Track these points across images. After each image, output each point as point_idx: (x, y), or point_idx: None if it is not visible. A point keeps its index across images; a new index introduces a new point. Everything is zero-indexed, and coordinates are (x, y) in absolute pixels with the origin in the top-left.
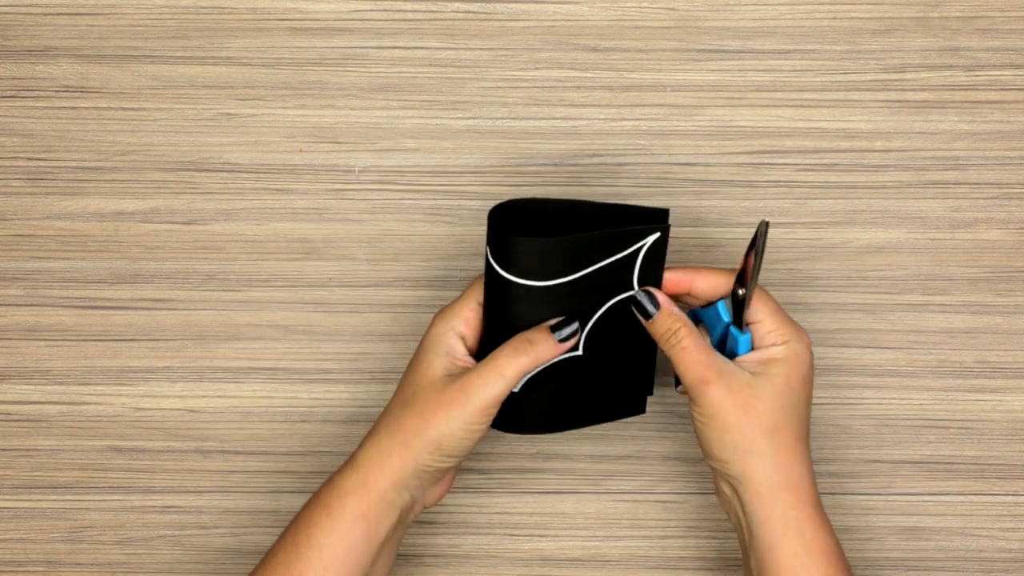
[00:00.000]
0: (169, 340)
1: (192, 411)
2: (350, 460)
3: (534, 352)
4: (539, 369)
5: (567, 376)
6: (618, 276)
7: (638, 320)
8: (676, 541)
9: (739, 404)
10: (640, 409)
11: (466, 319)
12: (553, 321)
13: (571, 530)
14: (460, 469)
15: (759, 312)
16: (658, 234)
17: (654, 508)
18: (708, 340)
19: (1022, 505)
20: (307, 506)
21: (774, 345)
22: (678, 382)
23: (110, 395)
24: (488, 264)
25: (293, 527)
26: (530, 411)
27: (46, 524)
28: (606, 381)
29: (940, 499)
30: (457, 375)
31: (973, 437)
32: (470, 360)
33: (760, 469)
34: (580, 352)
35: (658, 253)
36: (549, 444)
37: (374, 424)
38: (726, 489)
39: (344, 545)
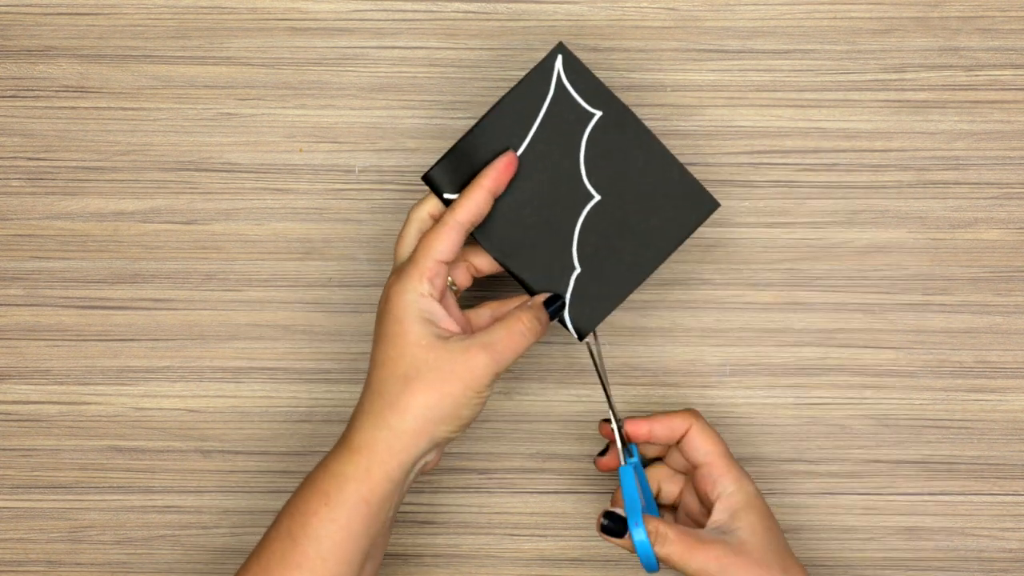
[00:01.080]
0: (169, 340)
1: (192, 411)
2: (346, 443)
3: (542, 331)
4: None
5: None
6: (563, 119)
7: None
8: None
9: (753, 566)
10: (712, 204)
11: (435, 283)
12: (543, 297)
13: (571, 530)
14: (460, 469)
15: (708, 453)
16: (559, 56)
17: None
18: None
19: (1022, 505)
20: (301, 493)
21: (728, 494)
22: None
23: (110, 395)
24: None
25: (288, 516)
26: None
27: (46, 524)
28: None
29: (940, 499)
30: (456, 342)
31: (973, 437)
32: (451, 321)
33: None
34: (597, 197)
35: (579, 72)
36: (549, 444)
37: (363, 403)
38: None
39: (344, 533)
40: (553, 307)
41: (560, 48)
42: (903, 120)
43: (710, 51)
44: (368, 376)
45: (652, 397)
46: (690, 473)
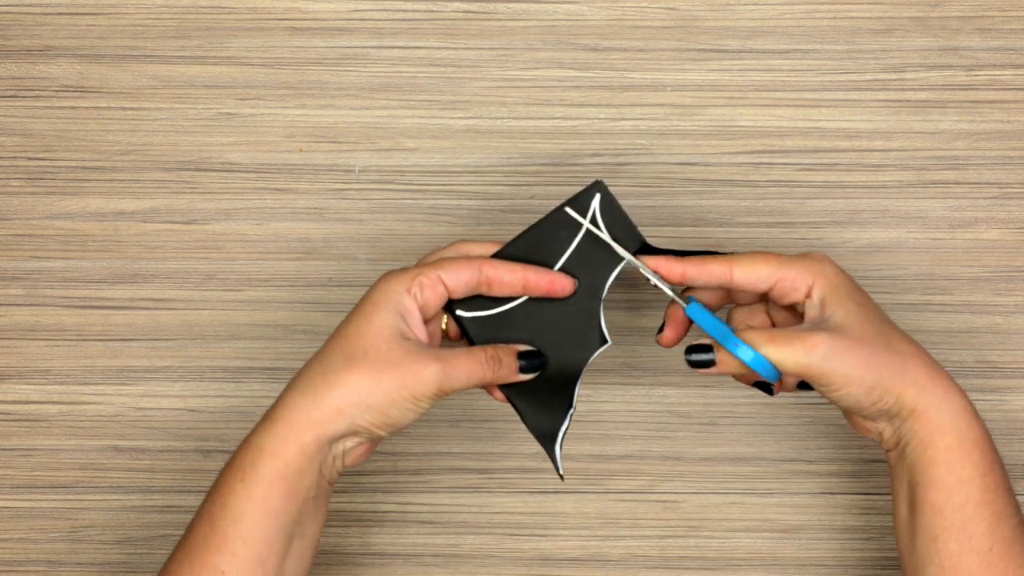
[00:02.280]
0: (169, 340)
1: (192, 411)
2: (269, 414)
3: (500, 373)
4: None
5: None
6: (595, 254)
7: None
8: (676, 541)
9: (852, 348)
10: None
11: (423, 284)
12: (523, 348)
13: (571, 530)
14: (460, 469)
15: (768, 275)
16: (597, 195)
17: (654, 508)
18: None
19: (1022, 505)
20: (223, 471)
21: (811, 288)
22: (770, 390)
23: (110, 395)
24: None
25: (209, 497)
26: None
27: (46, 524)
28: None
29: None
30: (415, 346)
31: None
32: (423, 330)
33: (906, 382)
34: (610, 342)
35: (614, 212)
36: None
37: (300, 373)
38: (878, 424)
39: (262, 511)
40: (528, 362)
41: (598, 187)
42: (903, 120)
43: (710, 51)
44: (322, 346)
45: (652, 397)
46: (764, 298)
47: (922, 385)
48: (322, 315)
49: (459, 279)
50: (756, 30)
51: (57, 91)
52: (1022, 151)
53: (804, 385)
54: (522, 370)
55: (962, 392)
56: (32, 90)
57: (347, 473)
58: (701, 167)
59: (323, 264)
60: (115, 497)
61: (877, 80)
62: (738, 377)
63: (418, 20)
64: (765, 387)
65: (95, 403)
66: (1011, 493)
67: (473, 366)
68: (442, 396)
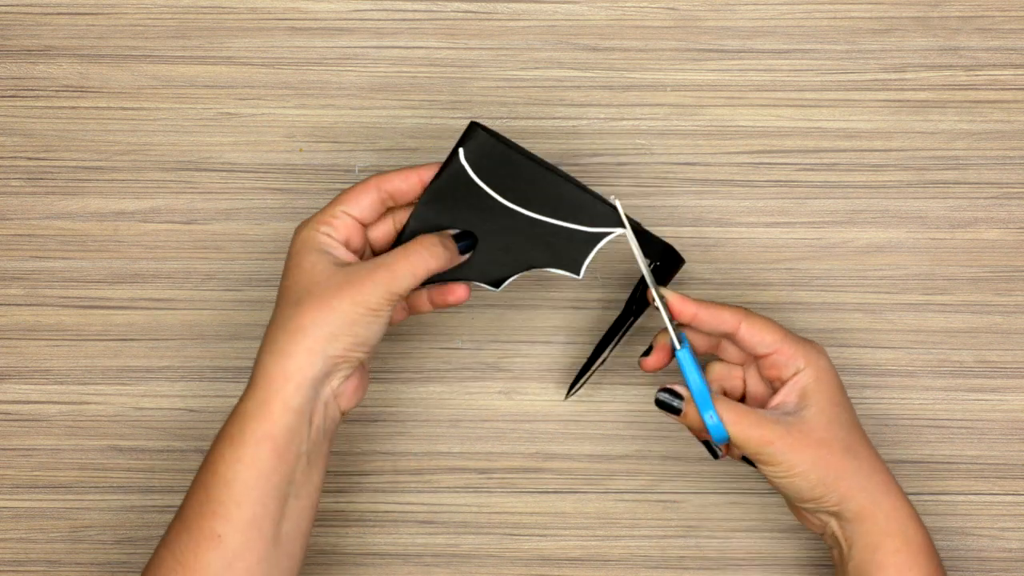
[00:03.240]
0: (169, 340)
1: (192, 411)
2: (248, 385)
3: (447, 258)
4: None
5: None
6: (572, 242)
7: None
8: (676, 541)
9: (809, 446)
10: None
11: (336, 226)
12: (453, 232)
13: (571, 530)
14: (460, 469)
15: (772, 343)
16: (618, 231)
17: (654, 508)
18: (736, 403)
19: (1022, 505)
20: (213, 442)
21: (798, 372)
22: (715, 454)
23: (110, 395)
24: (454, 166)
25: (201, 467)
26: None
27: (46, 524)
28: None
29: (940, 499)
30: (352, 265)
31: (973, 437)
32: (354, 257)
33: (855, 488)
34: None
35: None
36: (549, 444)
37: (263, 339)
38: (821, 518)
39: (253, 472)
40: (464, 242)
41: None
42: (903, 120)
43: (710, 51)
44: (273, 311)
45: (652, 397)
46: (751, 363)
47: (872, 491)
48: None
49: (361, 204)
50: (756, 30)
51: (57, 91)
52: (1022, 151)
53: (747, 459)
54: (462, 251)
55: (908, 501)
56: (32, 90)
57: (347, 473)
58: (701, 167)
59: None
60: (115, 497)
61: (877, 80)
62: (691, 429)
63: (418, 20)
64: (711, 449)
65: (95, 403)
66: None
67: (414, 260)
68: (397, 298)
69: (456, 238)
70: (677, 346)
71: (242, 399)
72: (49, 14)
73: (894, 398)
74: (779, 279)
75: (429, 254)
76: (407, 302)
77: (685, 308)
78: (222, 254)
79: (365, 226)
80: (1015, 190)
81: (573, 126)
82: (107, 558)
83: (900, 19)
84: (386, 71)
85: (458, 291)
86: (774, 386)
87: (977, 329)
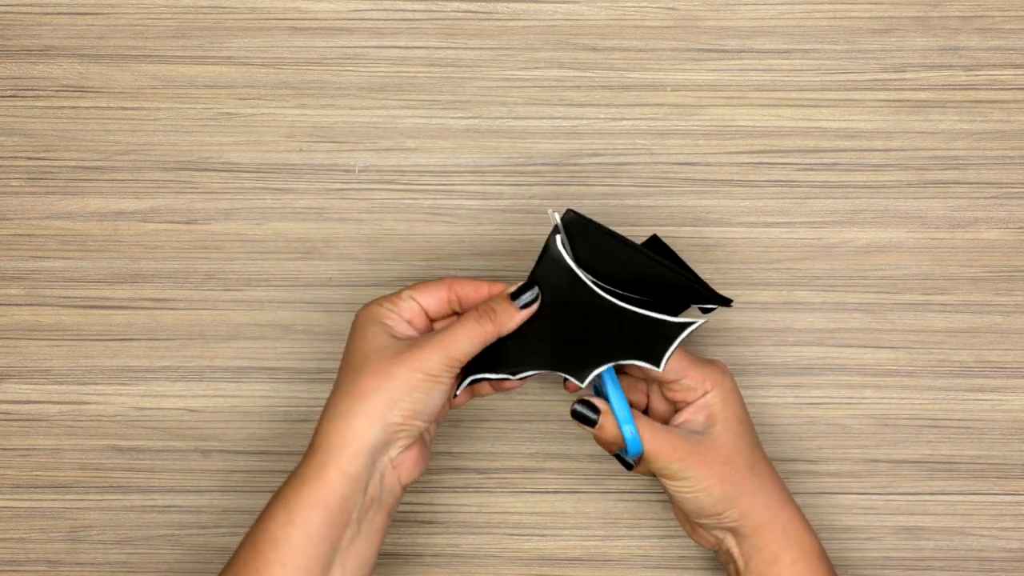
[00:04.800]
0: (169, 340)
1: (192, 411)
2: (307, 450)
3: (498, 320)
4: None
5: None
6: (657, 333)
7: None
8: (676, 541)
9: (717, 462)
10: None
11: (402, 308)
12: (513, 288)
13: (571, 530)
14: (460, 469)
15: (677, 370)
16: (700, 322)
17: (654, 508)
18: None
19: (1022, 505)
20: (267, 504)
21: (705, 394)
22: (629, 466)
23: (110, 395)
24: (551, 254)
25: (253, 526)
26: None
27: (46, 524)
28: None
29: (940, 499)
30: (409, 337)
31: (973, 437)
32: (414, 332)
33: (756, 504)
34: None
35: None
36: (549, 444)
37: (324, 410)
38: (717, 534)
39: (302, 535)
40: (524, 297)
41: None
42: (903, 120)
43: (710, 51)
44: (334, 382)
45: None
46: (660, 384)
47: (772, 505)
48: (322, 315)
49: (430, 296)
50: (756, 30)
51: (57, 91)
52: (1022, 151)
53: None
54: (521, 306)
55: (800, 511)
56: (32, 90)
57: None
58: (701, 167)
59: (323, 264)
60: (115, 497)
61: (877, 80)
62: (600, 442)
63: (418, 20)
64: (624, 462)
65: (95, 403)
66: None
67: (471, 326)
68: (456, 364)
69: (516, 294)
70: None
71: (302, 462)
72: (49, 14)
73: (894, 398)
74: (779, 279)
75: (488, 318)
76: (469, 389)
77: None
78: (222, 254)
79: (431, 319)
80: (1015, 190)
81: (573, 126)
82: (107, 558)
83: (900, 19)
84: (386, 71)
85: (509, 383)
86: (677, 406)
87: (977, 329)
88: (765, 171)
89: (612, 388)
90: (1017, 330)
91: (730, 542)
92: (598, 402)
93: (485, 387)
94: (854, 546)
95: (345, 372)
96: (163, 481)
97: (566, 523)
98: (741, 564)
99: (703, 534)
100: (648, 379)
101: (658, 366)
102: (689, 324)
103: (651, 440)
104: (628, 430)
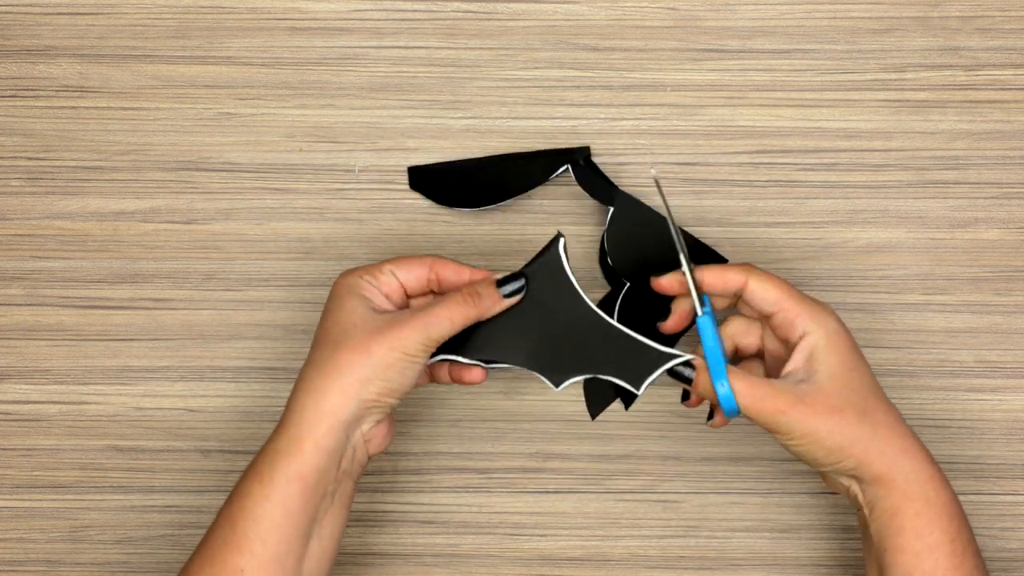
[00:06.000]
0: (169, 340)
1: (192, 411)
2: (281, 421)
3: (482, 305)
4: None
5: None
6: (640, 357)
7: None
8: (676, 541)
9: (821, 413)
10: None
11: (381, 280)
12: (499, 276)
13: (571, 530)
14: (460, 469)
15: (776, 300)
16: (688, 357)
17: (654, 508)
18: (752, 372)
19: (1022, 505)
20: (241, 477)
21: (807, 335)
22: (710, 415)
23: (110, 395)
24: (551, 254)
25: (228, 502)
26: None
27: (46, 524)
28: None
29: None
30: (390, 313)
31: (973, 437)
32: (393, 308)
33: (872, 451)
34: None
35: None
36: (549, 444)
37: (298, 380)
38: (843, 481)
39: (280, 511)
40: (510, 287)
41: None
42: (903, 120)
43: (710, 51)
44: (309, 353)
45: (653, 396)
46: (765, 321)
47: (891, 453)
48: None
49: (411, 272)
50: (756, 30)
51: (57, 91)
52: (1022, 151)
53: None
54: (505, 296)
55: (932, 460)
56: (32, 90)
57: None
58: (701, 167)
59: (323, 264)
60: (115, 497)
61: (877, 80)
62: (702, 396)
63: (418, 20)
64: (686, 394)
65: (95, 403)
66: (979, 556)
67: (453, 308)
68: (434, 344)
69: (502, 282)
70: (699, 311)
71: (273, 436)
72: (49, 14)
73: (894, 398)
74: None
75: (472, 302)
76: (429, 369)
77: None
78: (222, 254)
79: (408, 295)
80: (1015, 190)
81: (573, 126)
82: (107, 558)
83: (900, 19)
84: (386, 71)
85: (474, 372)
86: (787, 346)
87: (977, 329)
88: (765, 171)
89: (707, 339)
90: (1017, 330)
91: (855, 489)
92: (695, 359)
93: (444, 374)
94: (854, 546)
95: (321, 345)
96: (163, 481)
97: (566, 523)
98: (866, 512)
99: (830, 479)
100: (762, 317)
101: (637, 389)
102: (675, 357)
103: (748, 396)
104: (721, 387)
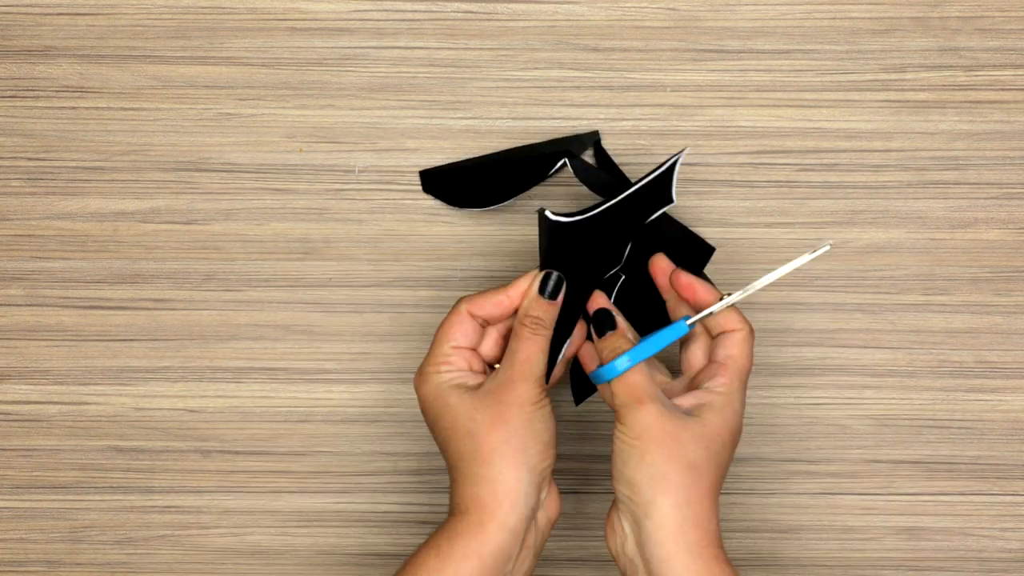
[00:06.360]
0: (169, 340)
1: (192, 411)
2: (452, 512)
3: (545, 326)
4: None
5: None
6: (659, 187)
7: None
8: None
9: (667, 431)
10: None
11: (454, 362)
12: (535, 284)
13: (571, 530)
14: None
15: (731, 358)
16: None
17: None
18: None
19: (1022, 505)
20: (415, 552)
21: (714, 393)
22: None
23: (110, 395)
24: (543, 225)
25: (400, 570)
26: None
27: (46, 524)
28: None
29: (940, 499)
30: (489, 379)
31: (973, 437)
32: (481, 373)
33: (671, 500)
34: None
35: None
36: None
37: (451, 484)
38: (624, 525)
39: None
40: (551, 286)
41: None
42: (903, 120)
43: (710, 51)
44: (448, 468)
45: None
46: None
47: (674, 534)
48: (322, 315)
49: (464, 335)
50: (756, 30)
51: (57, 91)
52: (1022, 151)
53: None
54: (552, 296)
55: (722, 547)
56: (32, 90)
57: (347, 473)
58: (701, 167)
59: (323, 264)
60: (115, 497)
61: (877, 80)
62: (595, 354)
63: (418, 20)
64: (584, 387)
65: (95, 403)
66: None
67: (528, 346)
68: (544, 382)
69: (542, 288)
70: (687, 323)
71: (449, 521)
72: (49, 14)
73: (894, 398)
74: (779, 279)
75: (536, 331)
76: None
77: (685, 285)
78: (222, 254)
79: (475, 350)
80: (1015, 190)
81: (573, 126)
82: (107, 558)
83: (900, 19)
84: (386, 71)
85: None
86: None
87: (977, 329)
88: (765, 171)
89: (663, 340)
90: (1017, 331)
91: (632, 543)
92: (621, 321)
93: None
94: (854, 546)
95: (458, 444)
96: (163, 481)
97: (566, 523)
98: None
99: (613, 518)
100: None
101: (672, 200)
102: (677, 154)
103: (638, 371)
104: (624, 363)
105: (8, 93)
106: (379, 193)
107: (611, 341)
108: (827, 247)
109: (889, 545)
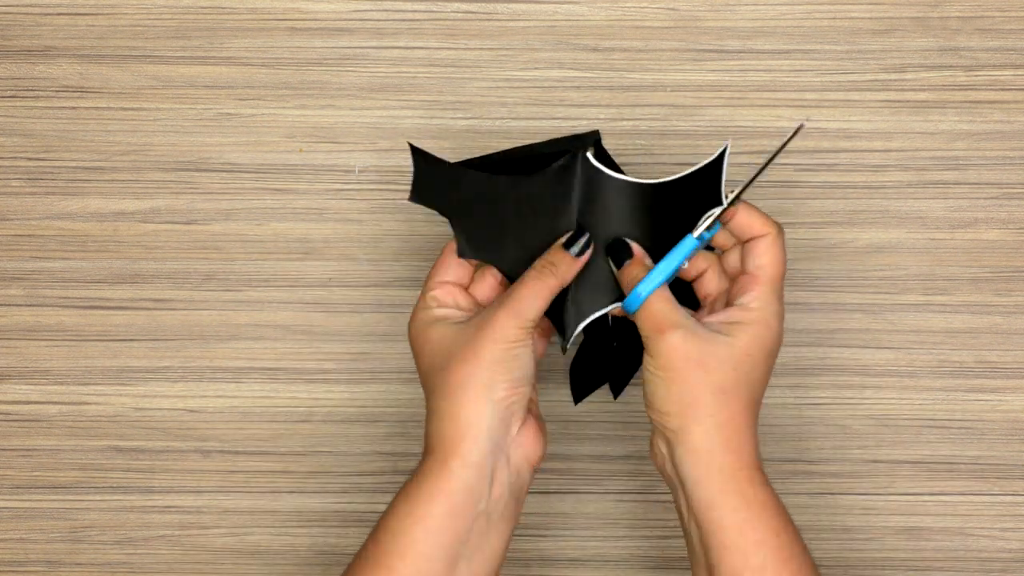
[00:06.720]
0: (169, 340)
1: (192, 411)
2: (423, 454)
3: (560, 273)
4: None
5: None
6: (687, 190)
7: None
8: (676, 541)
9: (692, 358)
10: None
11: (440, 296)
12: (563, 238)
13: (571, 530)
14: None
15: (762, 268)
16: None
17: (654, 508)
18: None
19: (1022, 505)
20: (392, 499)
21: (745, 309)
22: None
23: (110, 395)
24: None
25: (377, 522)
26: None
27: (46, 524)
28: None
29: (940, 499)
30: (477, 314)
31: (973, 437)
32: (469, 314)
33: (701, 426)
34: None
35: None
36: (550, 444)
37: (426, 423)
38: (662, 447)
39: (421, 528)
40: (578, 244)
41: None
42: (903, 120)
43: (710, 51)
44: (425, 393)
45: None
46: (732, 279)
47: (716, 439)
48: (322, 315)
49: (451, 270)
50: (756, 30)
51: (57, 91)
52: (1022, 151)
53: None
54: (576, 255)
55: (756, 464)
56: (32, 90)
57: (347, 473)
58: None
59: (323, 264)
60: (115, 497)
61: (877, 80)
62: (618, 282)
63: (418, 20)
64: (617, 257)
65: (95, 403)
66: (807, 553)
67: (534, 284)
68: (531, 325)
69: (569, 243)
70: (695, 233)
71: (419, 465)
72: (49, 14)
73: (894, 398)
74: (772, 165)
75: (551, 272)
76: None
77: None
78: (222, 254)
79: (466, 288)
80: (1015, 190)
81: (573, 126)
82: (107, 558)
83: (900, 19)
84: (386, 71)
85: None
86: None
87: (977, 329)
88: (765, 171)
89: (675, 258)
90: (1017, 331)
91: (670, 465)
92: (636, 248)
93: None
94: (854, 546)
95: (431, 379)
96: (163, 481)
97: (566, 523)
98: (681, 498)
99: (654, 440)
100: (738, 244)
101: (720, 201)
102: (722, 152)
103: (660, 298)
104: (643, 289)
105: (8, 93)
106: (379, 193)
107: (630, 271)
108: (803, 123)
109: (889, 545)
